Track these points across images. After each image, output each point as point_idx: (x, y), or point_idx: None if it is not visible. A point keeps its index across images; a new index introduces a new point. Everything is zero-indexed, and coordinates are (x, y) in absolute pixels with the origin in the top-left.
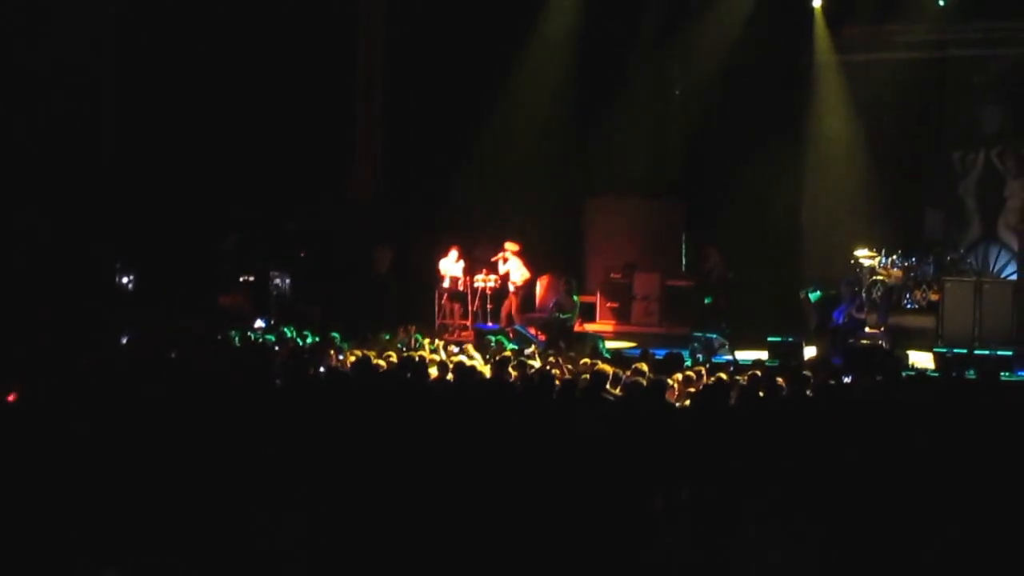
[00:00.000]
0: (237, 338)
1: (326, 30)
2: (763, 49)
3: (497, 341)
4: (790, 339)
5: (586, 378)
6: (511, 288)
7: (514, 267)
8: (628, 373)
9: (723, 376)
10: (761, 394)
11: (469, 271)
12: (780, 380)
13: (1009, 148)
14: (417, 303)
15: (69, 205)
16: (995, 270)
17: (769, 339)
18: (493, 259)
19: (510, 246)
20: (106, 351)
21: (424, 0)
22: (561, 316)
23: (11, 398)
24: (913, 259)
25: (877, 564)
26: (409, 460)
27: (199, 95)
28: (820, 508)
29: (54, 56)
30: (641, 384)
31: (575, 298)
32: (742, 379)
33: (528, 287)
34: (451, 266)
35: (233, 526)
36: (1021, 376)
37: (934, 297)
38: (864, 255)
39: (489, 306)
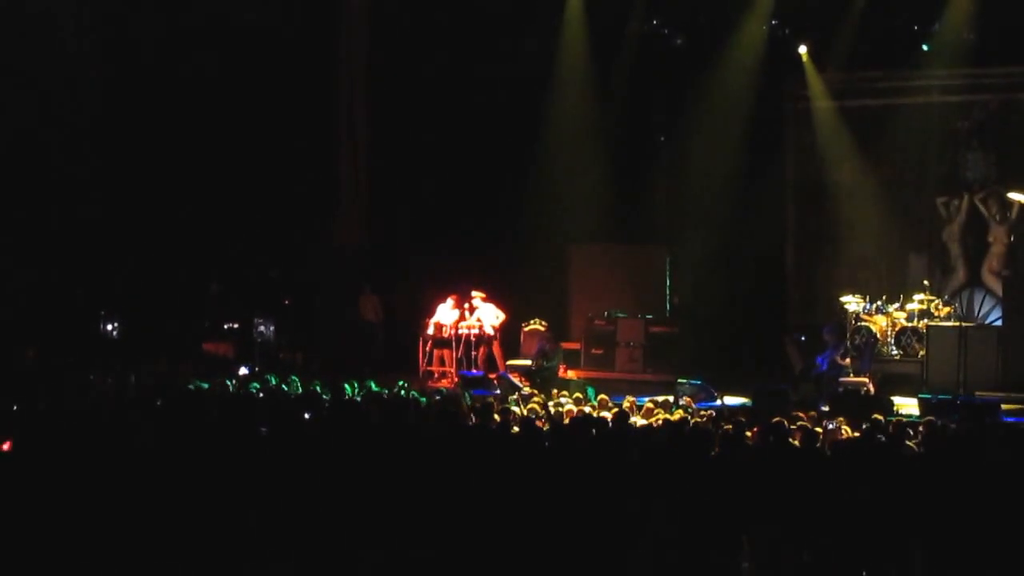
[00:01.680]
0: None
1: (310, 77)
2: (746, 96)
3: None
4: (779, 386)
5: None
6: (489, 334)
7: (485, 313)
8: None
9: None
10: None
11: (459, 318)
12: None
13: (993, 193)
14: (402, 350)
15: (53, 254)
16: (979, 315)
17: (756, 387)
18: (462, 308)
19: (477, 294)
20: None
21: (408, 45)
22: (546, 364)
23: (6, 447)
24: (898, 305)
25: None
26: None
27: (184, 144)
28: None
29: (41, 100)
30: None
31: (559, 345)
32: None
33: (507, 332)
34: (447, 313)
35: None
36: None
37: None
38: (848, 301)
39: (473, 353)
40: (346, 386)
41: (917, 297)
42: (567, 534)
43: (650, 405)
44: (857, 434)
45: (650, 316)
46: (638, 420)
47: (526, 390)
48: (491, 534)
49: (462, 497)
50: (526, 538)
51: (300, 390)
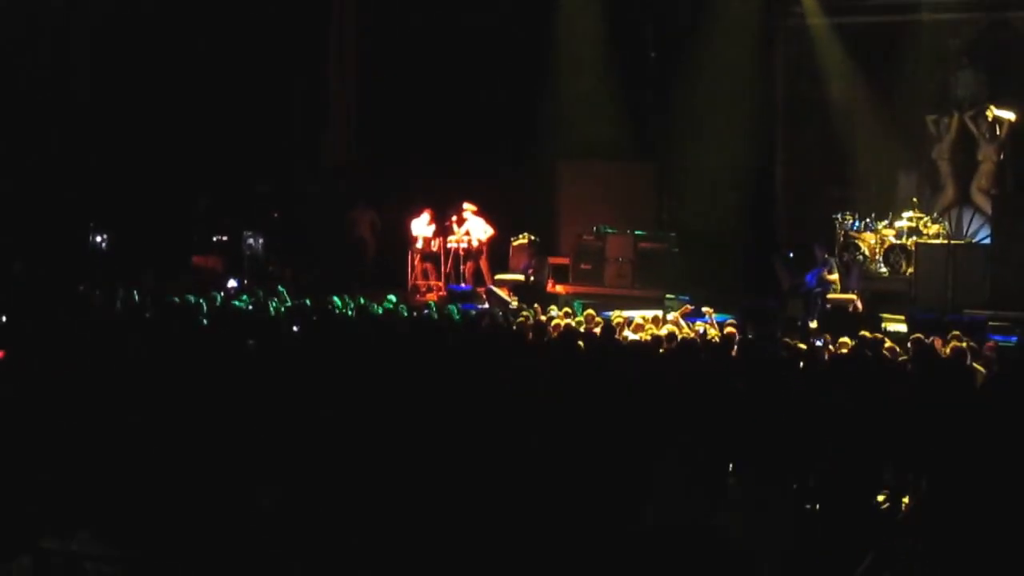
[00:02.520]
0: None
1: None
2: (735, 12)
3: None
4: (767, 303)
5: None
6: (476, 247)
7: (475, 226)
8: None
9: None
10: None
11: (440, 233)
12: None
13: (983, 111)
14: (392, 265)
15: (42, 167)
16: (968, 233)
17: (742, 304)
18: (450, 221)
19: (468, 206)
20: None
21: None
22: (532, 278)
23: None
24: (887, 222)
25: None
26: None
27: (172, 59)
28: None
29: (30, 16)
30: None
31: (546, 259)
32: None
33: (495, 246)
34: (423, 228)
35: (213, 488)
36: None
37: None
38: (838, 218)
39: (462, 267)
40: (336, 300)
41: (906, 215)
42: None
43: (640, 320)
44: (845, 351)
45: (640, 232)
46: (628, 334)
47: (514, 304)
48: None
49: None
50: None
51: (289, 302)
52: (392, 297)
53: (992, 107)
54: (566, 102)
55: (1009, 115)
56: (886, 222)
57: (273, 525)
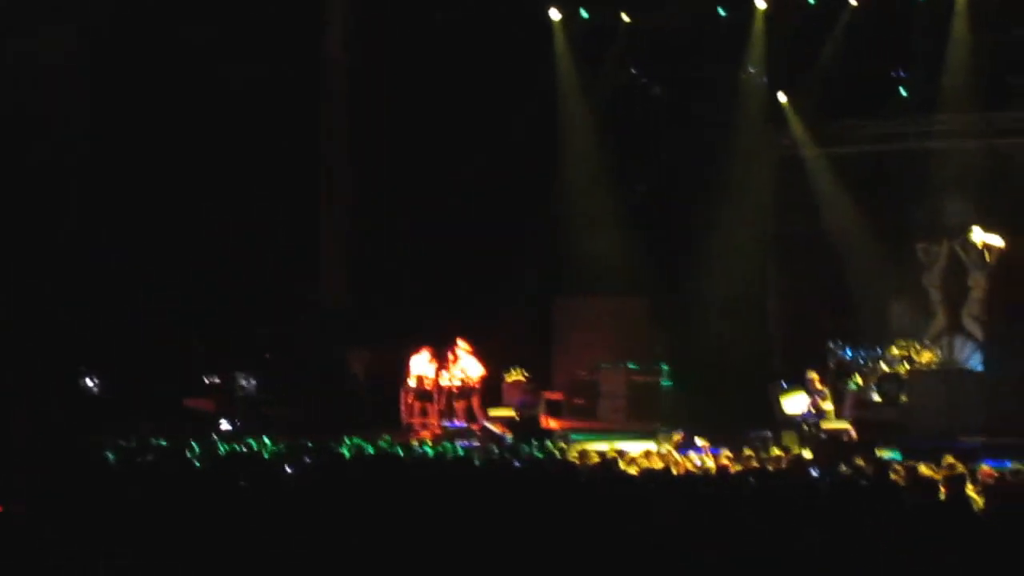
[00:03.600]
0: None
1: (293, 137)
2: (727, 145)
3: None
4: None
5: None
6: (472, 385)
7: (468, 364)
8: None
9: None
10: None
11: (437, 370)
12: None
13: (971, 239)
14: (388, 405)
15: (31, 308)
16: (960, 360)
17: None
18: (445, 359)
19: (462, 344)
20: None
21: (389, 107)
22: (527, 413)
23: None
24: (879, 350)
25: None
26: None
27: (166, 198)
28: None
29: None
30: None
31: (540, 395)
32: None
33: (487, 383)
34: (423, 366)
35: None
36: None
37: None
38: (831, 348)
39: (455, 404)
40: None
41: (899, 343)
42: None
43: (633, 455)
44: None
45: (633, 365)
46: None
47: (509, 440)
48: None
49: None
50: None
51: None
52: (387, 437)
53: (980, 234)
54: (562, 237)
55: (998, 242)
56: (879, 351)
57: None
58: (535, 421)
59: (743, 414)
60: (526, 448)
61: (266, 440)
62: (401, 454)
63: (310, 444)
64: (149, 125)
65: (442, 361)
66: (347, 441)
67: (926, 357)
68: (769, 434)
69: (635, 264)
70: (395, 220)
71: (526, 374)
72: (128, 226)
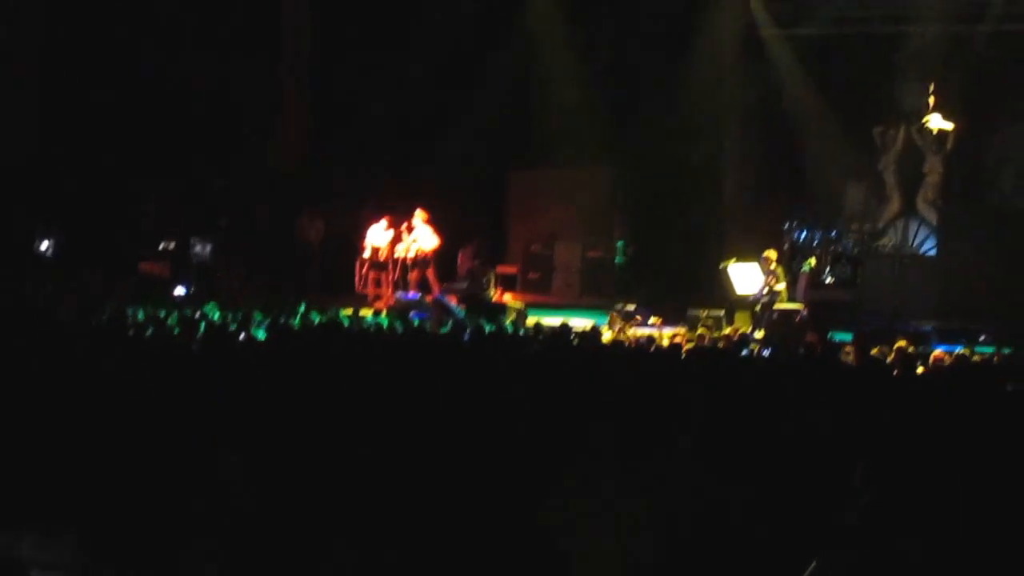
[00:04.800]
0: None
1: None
2: (687, 21)
3: None
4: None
5: None
6: (424, 256)
7: (423, 235)
8: None
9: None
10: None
11: (394, 240)
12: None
13: (927, 123)
14: (340, 273)
15: None
16: (914, 244)
17: (690, 311)
18: (400, 228)
19: (419, 214)
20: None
21: None
22: (474, 286)
23: None
24: (834, 233)
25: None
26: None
27: (122, 63)
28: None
29: None
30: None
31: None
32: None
33: (443, 255)
34: (379, 235)
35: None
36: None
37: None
38: (786, 228)
39: (409, 275)
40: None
41: (853, 226)
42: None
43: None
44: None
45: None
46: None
47: (460, 313)
48: None
49: None
50: None
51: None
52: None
53: (936, 118)
54: (518, 108)
55: (945, 124)
56: (834, 232)
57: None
58: (480, 296)
59: (697, 292)
60: (476, 321)
61: (215, 306)
62: (347, 325)
63: (260, 314)
64: None
65: (398, 231)
66: (299, 310)
67: (880, 240)
68: (722, 313)
69: (595, 137)
70: (354, 86)
71: (473, 245)
72: (85, 84)
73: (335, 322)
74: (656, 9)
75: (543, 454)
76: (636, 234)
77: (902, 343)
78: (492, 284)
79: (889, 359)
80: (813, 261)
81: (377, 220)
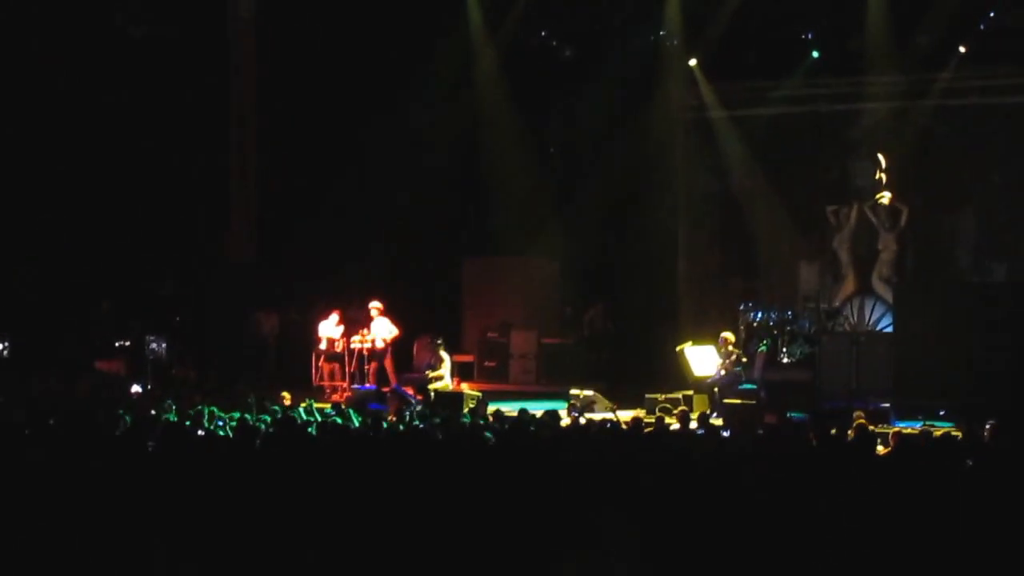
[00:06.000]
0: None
1: (201, 95)
2: (636, 107)
3: None
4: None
5: None
6: (380, 347)
7: (380, 326)
8: None
9: None
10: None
11: (347, 333)
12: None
13: (881, 201)
14: (296, 366)
15: None
16: (870, 322)
17: (647, 395)
18: (347, 324)
19: (375, 305)
20: None
21: (297, 60)
22: (431, 375)
23: None
24: (789, 313)
25: None
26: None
27: (75, 160)
28: None
29: None
30: None
31: (444, 355)
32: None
33: (399, 346)
34: (331, 329)
35: None
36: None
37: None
38: (741, 310)
39: (366, 367)
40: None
41: (809, 305)
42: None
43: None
44: None
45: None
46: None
47: (417, 405)
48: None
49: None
50: None
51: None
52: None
53: (890, 196)
54: (469, 199)
55: (903, 206)
56: (789, 313)
57: None
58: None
59: (655, 376)
60: (430, 414)
61: (172, 405)
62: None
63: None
64: (55, 85)
65: (351, 323)
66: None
67: (836, 319)
68: (680, 396)
69: (546, 226)
70: (305, 181)
71: (433, 337)
72: (37, 188)
73: (288, 418)
74: (604, 96)
75: (502, 544)
76: (588, 321)
77: (862, 420)
78: (450, 372)
79: (849, 435)
80: (769, 341)
81: (327, 315)
